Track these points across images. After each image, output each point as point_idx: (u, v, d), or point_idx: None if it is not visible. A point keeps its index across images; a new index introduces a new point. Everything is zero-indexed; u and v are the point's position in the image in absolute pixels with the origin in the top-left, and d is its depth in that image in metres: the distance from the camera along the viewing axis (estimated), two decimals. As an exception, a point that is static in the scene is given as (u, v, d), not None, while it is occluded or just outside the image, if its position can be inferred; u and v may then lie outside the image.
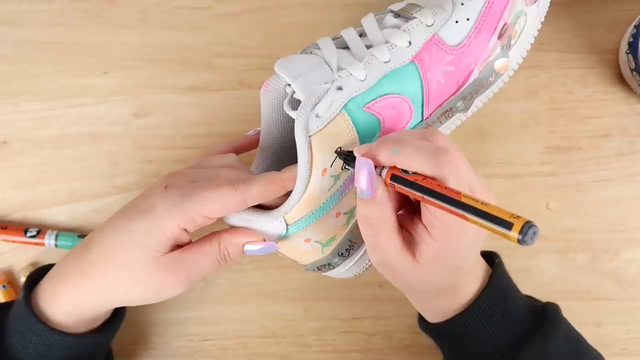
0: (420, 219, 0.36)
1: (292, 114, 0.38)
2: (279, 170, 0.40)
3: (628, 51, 0.50)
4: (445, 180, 0.33)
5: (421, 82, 0.41)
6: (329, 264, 0.44)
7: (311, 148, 0.38)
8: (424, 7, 0.42)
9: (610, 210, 0.52)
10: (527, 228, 0.28)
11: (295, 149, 0.38)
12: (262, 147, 0.44)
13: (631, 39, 0.49)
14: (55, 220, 0.53)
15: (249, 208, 0.40)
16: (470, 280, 0.40)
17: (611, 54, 0.53)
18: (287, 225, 0.40)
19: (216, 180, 0.39)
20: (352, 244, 0.44)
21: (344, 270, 0.46)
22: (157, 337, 0.52)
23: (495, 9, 0.42)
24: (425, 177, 0.34)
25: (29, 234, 0.51)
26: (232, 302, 0.53)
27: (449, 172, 0.33)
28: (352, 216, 0.43)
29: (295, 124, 0.37)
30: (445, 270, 0.37)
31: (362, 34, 0.42)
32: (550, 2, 0.46)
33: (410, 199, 0.38)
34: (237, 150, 0.44)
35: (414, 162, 0.34)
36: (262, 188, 0.38)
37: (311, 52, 0.40)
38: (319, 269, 0.45)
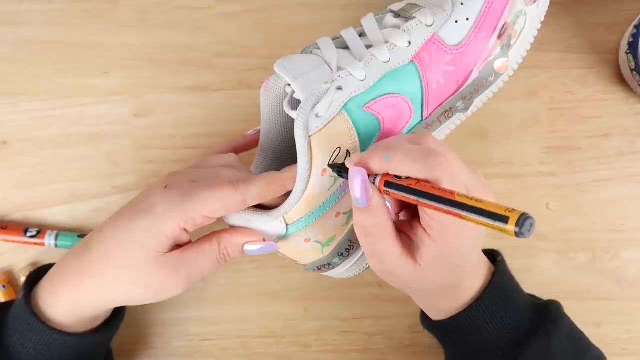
0: (420, 222, 0.36)
1: (292, 114, 0.38)
2: (279, 170, 0.40)
3: (628, 51, 0.50)
4: (439, 182, 0.33)
5: (421, 82, 0.41)
6: (329, 264, 0.44)
7: (311, 148, 0.38)
8: (423, 7, 0.42)
9: (610, 210, 0.52)
10: (524, 220, 0.28)
11: (295, 149, 0.38)
12: (262, 147, 0.44)
13: (631, 39, 0.49)
14: (55, 220, 0.53)
15: (248, 208, 0.40)
16: (473, 278, 0.40)
17: (611, 54, 0.53)
18: (287, 225, 0.40)
19: (216, 180, 0.39)
20: (352, 244, 0.44)
21: (344, 270, 0.46)
22: (157, 337, 0.52)
23: (495, 8, 0.42)
24: (418, 180, 0.34)
25: (29, 234, 0.51)
26: (232, 302, 0.53)
27: (441, 174, 0.33)
28: (352, 216, 0.43)
29: (295, 124, 0.37)
30: (447, 270, 0.37)
31: (362, 34, 0.42)
32: (550, 2, 0.46)
33: (409, 204, 0.38)
34: (237, 150, 0.44)
35: (406, 167, 0.34)
36: (262, 188, 0.38)
37: (311, 52, 0.40)
38: (318, 269, 0.45)
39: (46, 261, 0.52)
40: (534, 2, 0.44)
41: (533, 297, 0.44)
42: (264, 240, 0.40)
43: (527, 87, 0.53)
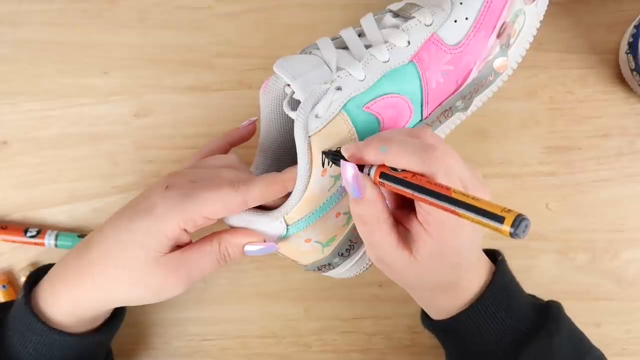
0: (416, 215, 0.36)
1: (292, 114, 0.38)
2: (279, 170, 0.40)
3: (628, 51, 0.50)
4: (435, 177, 0.33)
5: (420, 81, 0.41)
6: (329, 264, 0.44)
7: (311, 148, 0.38)
8: (422, 7, 0.42)
9: (610, 210, 0.52)
10: (519, 221, 0.28)
11: (295, 149, 0.38)
12: (262, 148, 0.44)
13: (631, 39, 0.49)
14: (55, 220, 0.53)
15: (249, 209, 0.40)
16: (473, 278, 0.40)
17: (611, 54, 0.53)
18: (287, 225, 0.40)
19: (216, 181, 0.39)
20: (352, 244, 0.44)
21: (344, 270, 0.46)
22: (157, 337, 0.52)
23: (494, 7, 0.42)
24: (414, 174, 0.34)
25: (29, 234, 0.51)
26: (232, 302, 0.53)
27: (438, 169, 0.33)
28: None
29: (295, 124, 0.37)
30: (444, 267, 0.37)
31: (361, 34, 0.42)
32: (550, 1, 0.46)
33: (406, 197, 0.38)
34: (233, 144, 0.44)
35: (402, 160, 0.34)
36: (263, 189, 0.38)
37: (310, 52, 0.40)
38: (319, 269, 0.45)
39: (46, 261, 0.52)
40: (533, 1, 0.44)
41: (533, 298, 0.44)
42: (265, 240, 0.40)
43: (526, 87, 0.53)
